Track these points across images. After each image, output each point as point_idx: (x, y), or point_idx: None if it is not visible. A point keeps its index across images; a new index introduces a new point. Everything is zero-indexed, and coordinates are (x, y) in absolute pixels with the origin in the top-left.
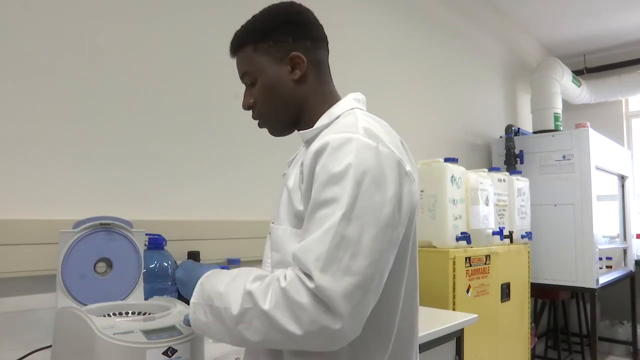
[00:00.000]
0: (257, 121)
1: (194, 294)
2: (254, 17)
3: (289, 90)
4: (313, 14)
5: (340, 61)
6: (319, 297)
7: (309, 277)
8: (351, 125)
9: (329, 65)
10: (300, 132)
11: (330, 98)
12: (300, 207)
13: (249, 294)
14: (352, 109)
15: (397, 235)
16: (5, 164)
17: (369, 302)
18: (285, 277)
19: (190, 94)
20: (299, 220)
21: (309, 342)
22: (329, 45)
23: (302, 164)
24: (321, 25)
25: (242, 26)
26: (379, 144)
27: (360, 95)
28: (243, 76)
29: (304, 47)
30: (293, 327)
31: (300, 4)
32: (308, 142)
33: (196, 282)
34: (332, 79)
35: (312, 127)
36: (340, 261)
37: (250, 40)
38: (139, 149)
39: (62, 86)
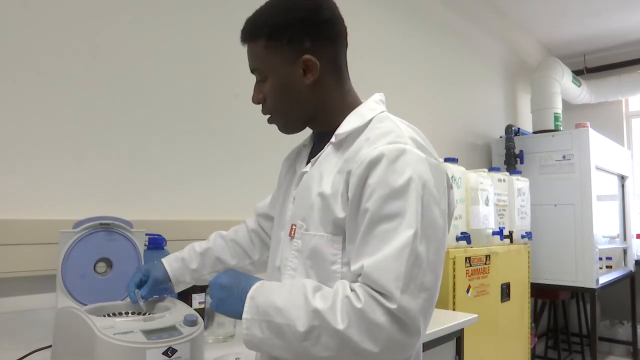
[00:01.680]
0: (267, 116)
1: (246, 309)
2: (268, 6)
3: (301, 93)
4: (332, 4)
5: None
6: (397, 316)
7: (386, 297)
8: (399, 135)
9: (346, 62)
10: (336, 133)
11: (350, 98)
12: (342, 215)
13: (315, 312)
14: (383, 112)
15: (446, 244)
16: (5, 163)
17: (432, 313)
18: (357, 297)
19: (191, 94)
20: (337, 227)
21: (383, 356)
22: None
23: (348, 172)
24: (341, 18)
25: (255, 14)
26: (427, 155)
27: (383, 96)
28: (253, 70)
29: (320, 49)
30: (369, 346)
31: None
32: (338, 144)
33: (242, 292)
34: (349, 76)
35: (332, 126)
36: (416, 279)
37: (262, 34)
38: (139, 149)
39: (62, 86)
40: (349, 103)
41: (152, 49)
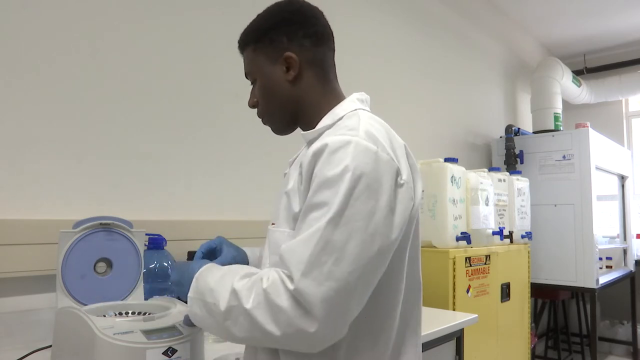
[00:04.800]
0: (261, 119)
1: (191, 288)
2: (257, 17)
3: (284, 90)
4: (316, 10)
5: (339, 61)
6: (297, 299)
7: (290, 278)
8: (353, 128)
9: (333, 64)
10: (302, 133)
11: (332, 97)
12: (297, 209)
13: (234, 292)
14: (355, 110)
15: (390, 243)
16: (5, 163)
17: (350, 308)
18: (268, 278)
19: (191, 94)
20: (296, 222)
21: (288, 343)
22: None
23: (301, 165)
24: (325, 22)
25: (247, 26)
26: (379, 149)
27: (364, 95)
28: (247, 75)
29: (299, 46)
30: (272, 328)
31: (302, 1)
32: (310, 143)
33: (191, 280)
34: (336, 78)
35: (313, 126)
36: (323, 266)
37: (250, 40)
38: (139, 149)
39: (62, 86)
40: (332, 102)
41: (153, 49)
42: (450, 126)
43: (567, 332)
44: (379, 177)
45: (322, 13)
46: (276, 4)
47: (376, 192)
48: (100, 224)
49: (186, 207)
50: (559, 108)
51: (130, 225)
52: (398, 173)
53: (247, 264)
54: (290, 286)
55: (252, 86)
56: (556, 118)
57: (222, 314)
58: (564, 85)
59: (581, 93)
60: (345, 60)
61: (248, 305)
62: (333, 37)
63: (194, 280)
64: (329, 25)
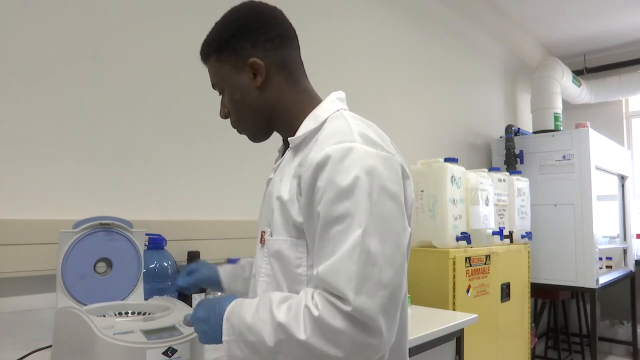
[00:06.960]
0: (236, 129)
1: (224, 331)
2: (215, 26)
3: (254, 97)
4: (275, 11)
5: (339, 61)
6: (355, 317)
7: (342, 299)
8: (346, 132)
9: (301, 62)
10: (289, 139)
11: (307, 97)
12: (300, 219)
13: (280, 326)
14: (337, 110)
15: (407, 236)
16: (5, 164)
17: (398, 309)
18: (316, 305)
19: (191, 94)
20: (298, 230)
21: (351, 359)
22: (333, 45)
23: (299, 177)
24: (286, 21)
25: (206, 35)
26: (377, 149)
27: (342, 94)
28: (214, 86)
29: (264, 51)
30: (334, 352)
31: (259, 4)
32: (296, 148)
33: (218, 318)
34: (306, 76)
35: (293, 129)
36: (372, 277)
37: (212, 51)
38: (139, 149)
39: (62, 86)
40: (307, 102)
41: (153, 49)
42: (450, 126)
43: (567, 332)
44: (388, 176)
45: (281, 12)
46: (233, 10)
47: (389, 191)
48: (100, 224)
49: (186, 207)
50: (559, 108)
51: (130, 225)
52: (402, 166)
53: (219, 282)
54: (346, 307)
55: (220, 97)
56: (556, 118)
57: (270, 349)
58: (564, 85)
59: (581, 93)
60: (346, 60)
61: (302, 336)
62: (296, 35)
63: (224, 321)
64: (291, 24)
